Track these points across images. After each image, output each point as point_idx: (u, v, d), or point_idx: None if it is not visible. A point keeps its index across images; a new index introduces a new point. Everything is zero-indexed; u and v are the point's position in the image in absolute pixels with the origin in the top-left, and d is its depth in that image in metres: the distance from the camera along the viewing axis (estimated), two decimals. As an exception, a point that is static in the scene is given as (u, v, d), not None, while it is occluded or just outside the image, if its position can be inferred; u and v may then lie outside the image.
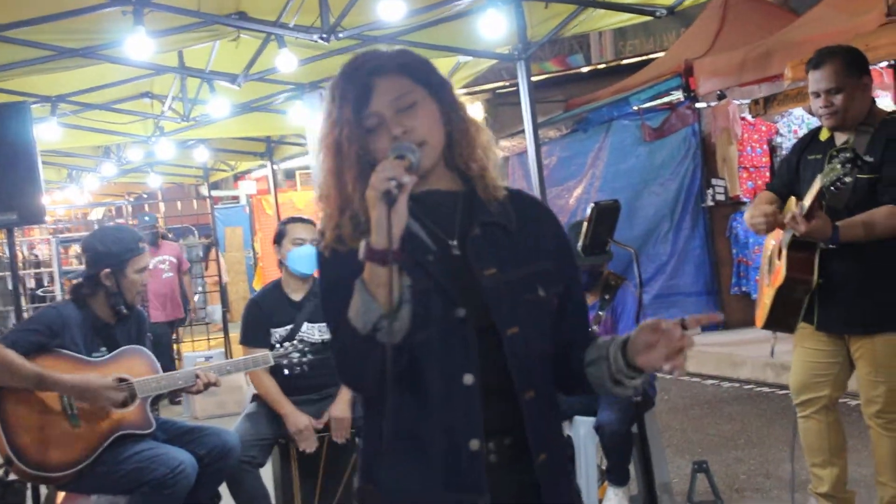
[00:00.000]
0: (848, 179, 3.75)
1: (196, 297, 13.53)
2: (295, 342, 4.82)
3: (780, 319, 4.32)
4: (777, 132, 10.81)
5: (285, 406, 4.97)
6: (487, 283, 2.12)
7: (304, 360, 4.74)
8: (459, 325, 2.10)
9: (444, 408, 2.07)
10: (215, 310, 15.38)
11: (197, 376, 4.46)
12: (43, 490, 4.68)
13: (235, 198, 21.08)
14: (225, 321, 13.17)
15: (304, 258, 5.10)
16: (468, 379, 2.08)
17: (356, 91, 2.13)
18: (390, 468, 2.14)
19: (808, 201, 3.94)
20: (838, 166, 3.75)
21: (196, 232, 14.33)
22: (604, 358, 2.16)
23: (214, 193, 16.12)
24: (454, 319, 2.09)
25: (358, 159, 2.13)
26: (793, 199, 4.18)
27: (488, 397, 2.10)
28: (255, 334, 5.03)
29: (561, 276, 2.25)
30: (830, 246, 3.99)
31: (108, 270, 4.42)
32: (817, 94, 4.11)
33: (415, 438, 2.11)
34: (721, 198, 10.85)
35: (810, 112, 10.02)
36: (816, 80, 4.10)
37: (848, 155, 3.72)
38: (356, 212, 2.13)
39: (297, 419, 4.93)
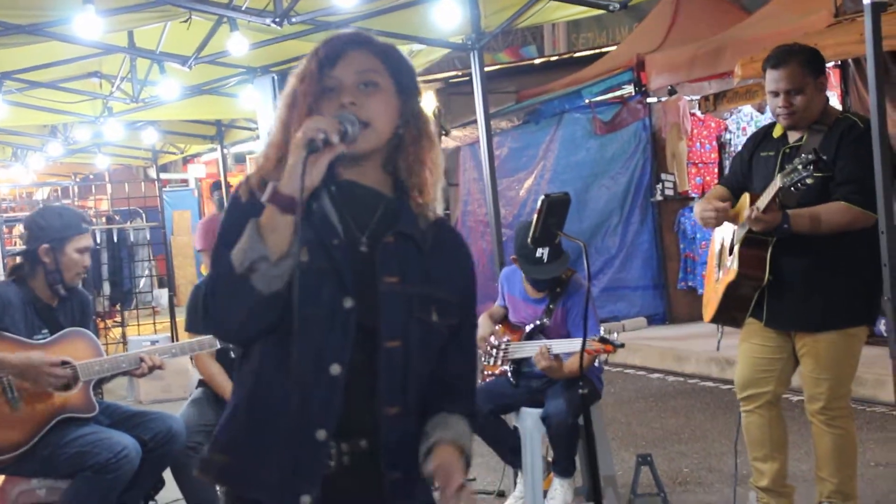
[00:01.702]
0: (809, 181, 3.80)
1: (142, 281, 13.39)
2: None
3: (729, 314, 4.37)
4: (726, 129, 10.92)
5: (229, 389, 4.92)
6: (385, 288, 2.11)
7: None
8: (344, 315, 2.09)
9: (304, 390, 2.05)
10: (161, 294, 15.24)
11: (142, 359, 4.41)
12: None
13: (185, 181, 20.87)
14: (171, 305, 13.05)
15: None
16: (335, 369, 2.08)
17: (327, 53, 2.14)
18: (241, 435, 2.13)
19: (765, 199, 3.97)
20: (800, 167, 3.79)
21: (144, 215, 14.16)
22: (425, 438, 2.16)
23: (163, 176, 15.95)
24: (340, 308, 2.09)
25: (309, 114, 2.11)
26: (746, 195, 4.21)
27: (353, 396, 2.09)
28: (201, 322, 4.98)
29: (458, 313, 2.23)
30: (782, 231, 4.00)
31: (46, 246, 4.35)
32: (776, 94, 4.13)
33: (269, 412, 2.10)
34: (670, 193, 10.94)
35: (759, 109, 10.14)
36: (776, 79, 4.12)
37: (810, 157, 3.76)
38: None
39: None
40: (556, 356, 4.74)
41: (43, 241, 4.36)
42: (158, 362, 4.45)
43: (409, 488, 2.18)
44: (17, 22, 5.99)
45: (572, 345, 4.71)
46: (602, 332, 4.67)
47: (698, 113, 10.56)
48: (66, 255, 4.36)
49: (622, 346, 4.58)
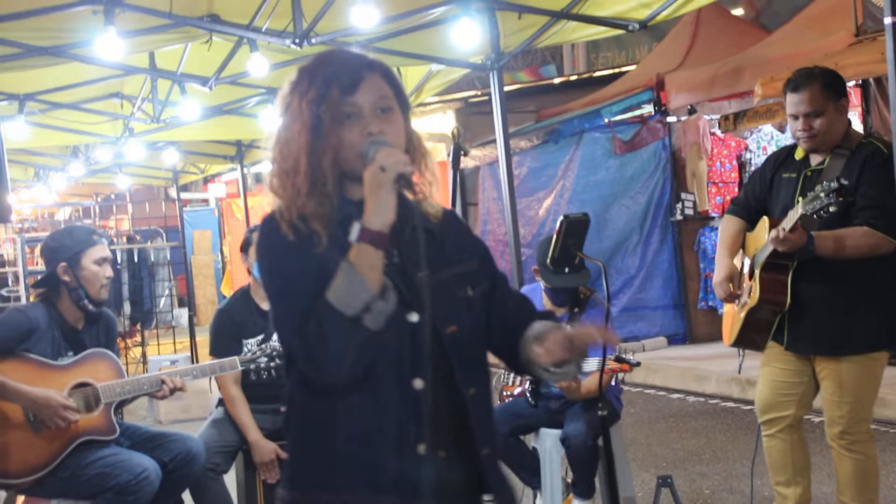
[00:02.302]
0: (833, 209, 3.77)
1: (162, 301, 13.43)
2: (263, 346, 4.76)
3: (750, 338, 4.34)
4: (746, 148, 10.89)
5: (252, 433, 4.89)
6: (422, 284, 2.12)
7: (273, 364, 4.68)
8: (412, 329, 2.13)
9: (394, 411, 2.09)
10: (182, 313, 15.29)
11: (163, 381, 4.41)
12: (1, 494, 4.61)
13: (205, 201, 20.96)
14: (191, 325, 13.08)
15: None
16: (418, 383, 2.12)
17: (348, 78, 2.15)
18: (342, 471, 2.14)
19: (787, 226, 3.94)
20: (822, 195, 3.76)
21: (164, 234, 14.22)
22: (527, 342, 2.26)
23: (184, 196, 16.02)
24: (406, 323, 2.13)
25: (339, 142, 2.14)
26: (764, 219, 4.19)
27: (434, 400, 2.12)
28: (225, 346, 4.94)
29: (485, 275, 2.33)
30: (805, 253, 3.98)
31: (64, 265, 4.37)
32: (796, 117, 4.12)
33: (365, 441, 2.12)
34: (690, 212, 10.91)
35: (780, 129, 10.12)
36: (795, 103, 4.10)
37: (833, 185, 3.74)
38: (327, 194, 2.14)
39: (263, 449, 4.86)
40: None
41: (59, 261, 4.38)
42: (180, 384, 4.46)
43: (497, 463, 2.28)
44: (40, 44, 6.03)
45: (589, 364, 4.69)
46: (618, 352, 4.65)
47: (718, 132, 10.54)
48: (84, 269, 4.38)
49: (638, 364, 4.55)
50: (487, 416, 2.26)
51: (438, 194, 2.29)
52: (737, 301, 4.37)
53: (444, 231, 2.28)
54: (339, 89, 2.14)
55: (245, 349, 4.92)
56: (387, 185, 2.03)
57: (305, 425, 2.21)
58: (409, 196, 2.16)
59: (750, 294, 4.22)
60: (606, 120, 10.96)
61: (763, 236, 4.13)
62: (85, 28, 5.73)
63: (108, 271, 4.46)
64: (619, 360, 4.57)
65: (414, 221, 2.15)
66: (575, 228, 3.96)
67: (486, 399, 2.28)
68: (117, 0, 5.38)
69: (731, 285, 4.33)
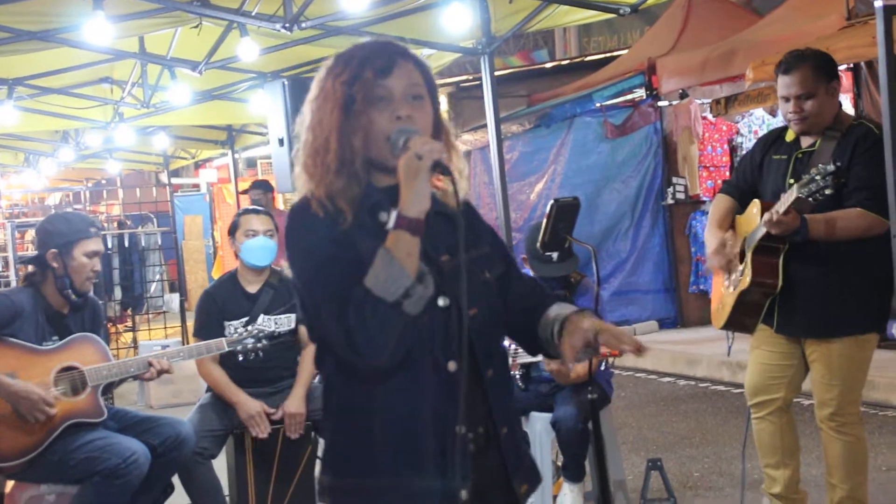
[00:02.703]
0: (828, 191, 3.77)
1: (153, 286, 13.41)
2: (250, 328, 4.75)
3: (740, 321, 4.34)
4: (738, 132, 10.90)
5: (236, 394, 4.91)
6: (446, 267, 2.20)
7: (259, 346, 4.67)
8: (442, 312, 2.18)
9: (432, 394, 2.14)
10: (173, 298, 15.27)
11: (150, 363, 4.41)
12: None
13: (196, 186, 20.92)
14: (182, 310, 13.06)
15: (257, 250, 5.06)
16: (452, 366, 2.17)
17: (382, 62, 2.19)
18: (383, 455, 2.17)
19: (782, 208, 3.94)
20: (818, 178, 3.75)
21: (155, 219, 14.18)
22: (547, 324, 2.33)
23: (175, 181, 16.00)
24: (437, 308, 2.17)
25: (369, 123, 2.17)
26: (756, 201, 4.19)
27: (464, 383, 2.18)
28: (209, 327, 4.96)
29: (499, 258, 2.38)
30: (798, 236, 3.98)
31: (54, 251, 4.35)
32: (787, 99, 4.11)
33: (405, 425, 2.16)
34: (681, 196, 10.92)
35: (771, 113, 10.12)
36: (787, 84, 4.10)
37: (829, 168, 3.73)
38: (356, 174, 2.18)
39: (248, 405, 4.88)
40: None
41: (51, 246, 4.36)
42: (166, 366, 4.45)
43: (517, 441, 2.33)
44: (29, 28, 6.01)
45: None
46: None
47: (710, 116, 10.54)
48: (74, 259, 4.36)
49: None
50: (505, 396, 2.32)
51: (466, 183, 2.30)
52: (727, 278, 4.37)
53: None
54: (373, 71, 2.18)
55: (229, 331, 4.91)
56: (423, 172, 2.06)
57: (344, 411, 2.25)
58: (442, 184, 2.20)
59: (742, 275, 4.22)
60: (598, 104, 10.95)
61: (754, 219, 4.13)
62: (74, 12, 5.71)
63: (97, 265, 4.43)
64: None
65: (434, 207, 2.18)
66: (565, 212, 3.95)
67: (505, 380, 2.36)
68: (106, -17, 5.35)
69: (725, 253, 4.32)
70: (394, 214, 2.08)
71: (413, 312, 2.07)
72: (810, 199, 3.83)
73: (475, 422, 2.22)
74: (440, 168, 2.06)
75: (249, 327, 4.76)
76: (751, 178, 4.38)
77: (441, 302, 2.18)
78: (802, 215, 3.94)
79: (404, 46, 2.27)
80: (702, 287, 10.78)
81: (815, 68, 4.10)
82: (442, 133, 2.28)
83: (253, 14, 5.95)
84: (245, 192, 9.97)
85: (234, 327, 4.92)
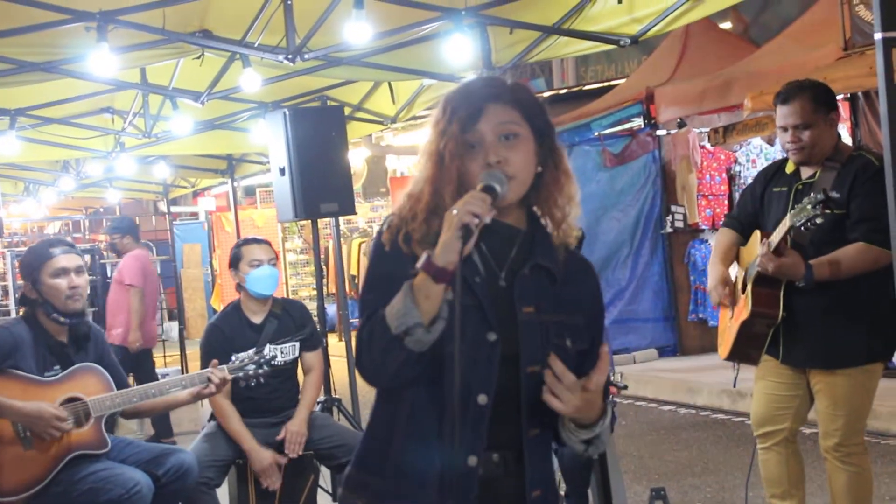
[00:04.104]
0: (819, 220, 3.79)
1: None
2: (251, 353, 4.75)
3: (744, 352, 4.35)
4: (736, 161, 10.93)
5: (247, 441, 4.91)
6: (524, 318, 2.23)
7: (261, 371, 4.67)
8: (489, 348, 2.21)
9: (455, 420, 2.15)
10: (172, 327, 15.24)
11: (209, 378, 4.44)
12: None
13: (194, 214, 20.93)
14: (181, 338, 13.03)
15: (262, 279, 5.08)
16: (482, 399, 2.20)
17: (468, 111, 2.24)
18: (397, 463, 2.25)
19: (776, 238, 3.97)
20: (809, 207, 3.78)
21: (154, 248, 14.18)
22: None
23: (173, 209, 16.00)
24: (485, 342, 2.21)
25: (458, 175, 2.23)
26: (757, 233, 4.21)
27: (496, 419, 2.22)
28: (218, 359, 4.96)
29: (589, 334, 2.35)
30: (803, 285, 4.00)
31: (28, 284, 4.41)
32: (785, 129, 4.14)
33: (423, 442, 2.21)
34: (680, 225, 10.94)
35: (769, 142, 10.16)
36: (784, 115, 4.13)
37: (819, 196, 3.76)
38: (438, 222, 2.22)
39: (261, 456, 4.89)
40: None
41: (26, 280, 4.44)
42: (228, 376, 4.51)
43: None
44: (33, 59, 6.04)
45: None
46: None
47: (708, 145, 10.58)
48: (43, 284, 4.37)
49: (625, 387, 4.55)
50: (543, 460, 2.34)
51: (573, 220, 2.32)
52: (730, 309, 4.39)
53: (567, 277, 2.32)
54: (459, 123, 2.24)
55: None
56: (454, 228, 2.10)
57: (376, 413, 2.35)
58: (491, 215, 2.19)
59: (744, 306, 4.24)
60: (596, 133, 10.99)
61: (756, 250, 4.15)
62: (78, 44, 5.73)
63: (74, 280, 4.39)
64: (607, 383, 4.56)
65: (535, 260, 2.27)
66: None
67: (546, 442, 2.34)
68: (110, 16, 5.37)
69: (725, 290, 4.34)
70: (424, 256, 2.12)
71: (415, 350, 2.13)
72: (802, 228, 3.85)
73: (490, 449, 2.23)
74: (464, 231, 2.09)
75: (250, 352, 4.76)
76: (752, 211, 4.40)
77: (490, 337, 2.22)
78: (808, 262, 3.95)
79: (500, 84, 2.31)
80: (701, 315, 10.79)
81: (814, 99, 4.12)
82: (550, 165, 2.30)
83: (256, 45, 5.97)
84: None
85: (241, 359, 4.92)
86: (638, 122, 10.69)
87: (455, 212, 2.11)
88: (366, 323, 2.21)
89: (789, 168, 4.28)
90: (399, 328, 2.11)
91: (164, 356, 12.90)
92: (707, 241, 10.70)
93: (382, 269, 2.26)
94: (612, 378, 4.48)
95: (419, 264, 2.12)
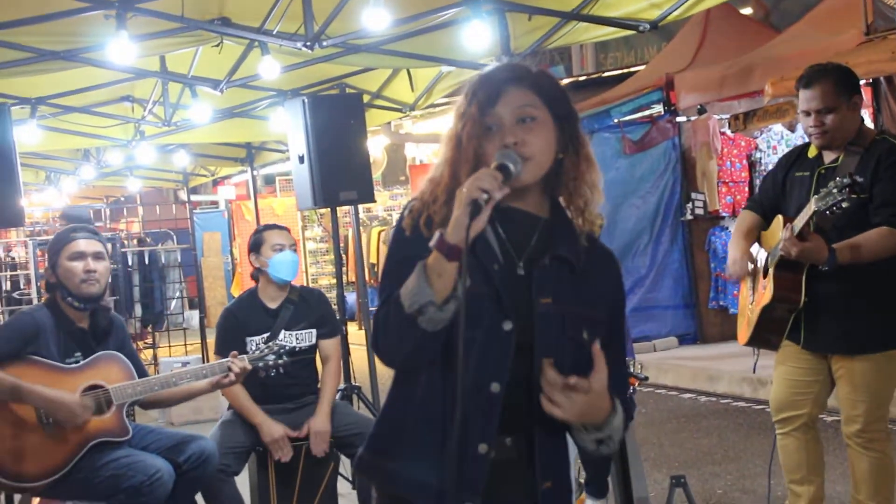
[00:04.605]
0: (845, 205, 3.76)
1: (173, 303, 13.45)
2: (270, 344, 4.76)
3: (765, 337, 4.33)
4: (756, 147, 10.87)
5: (258, 415, 4.93)
6: (541, 309, 2.22)
7: (280, 362, 4.68)
8: (503, 336, 2.21)
9: (468, 407, 2.16)
10: (192, 315, 15.31)
11: (229, 368, 4.46)
12: (17, 497, 4.64)
13: (214, 203, 21.00)
14: (202, 327, 13.10)
15: (285, 264, 5.09)
16: (495, 387, 2.20)
17: (487, 93, 2.26)
18: (408, 446, 2.26)
19: (800, 223, 3.95)
20: (835, 191, 3.75)
21: (175, 237, 14.24)
22: None
23: (193, 198, 16.05)
24: (500, 330, 2.21)
25: (475, 156, 2.24)
26: (779, 217, 4.19)
27: (508, 409, 2.22)
28: (230, 344, 4.96)
29: (607, 327, 2.34)
30: (826, 269, 3.98)
31: (48, 268, 4.44)
32: (808, 113, 4.11)
33: (435, 427, 2.21)
34: (700, 212, 10.89)
35: (790, 128, 10.10)
36: (807, 99, 4.10)
37: (845, 180, 3.73)
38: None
39: (271, 429, 4.90)
40: None
41: (47, 265, 4.47)
42: (248, 366, 4.52)
43: (560, 498, 2.35)
44: (52, 48, 6.06)
45: None
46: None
47: (728, 132, 10.52)
48: (61, 267, 4.39)
49: (646, 378, 4.54)
50: (556, 452, 2.32)
51: (596, 209, 2.31)
52: (751, 294, 4.37)
53: (589, 267, 2.30)
54: (478, 105, 2.25)
55: (250, 347, 4.93)
56: (463, 205, 2.10)
57: (391, 397, 2.35)
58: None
59: (765, 290, 4.21)
60: (616, 120, 10.95)
61: (778, 234, 4.13)
62: (97, 32, 5.75)
63: (90, 264, 4.39)
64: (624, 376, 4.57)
65: (555, 249, 2.25)
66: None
67: (559, 434, 2.30)
68: (129, 4, 5.38)
69: (747, 264, 4.31)
70: (437, 234, 2.12)
71: (429, 329, 2.13)
72: (827, 212, 3.83)
73: (501, 434, 2.23)
74: (472, 207, 2.08)
75: (270, 343, 4.77)
76: (773, 195, 4.37)
77: (505, 326, 2.21)
78: (831, 246, 3.93)
79: (521, 69, 2.31)
80: (721, 303, 10.75)
81: (837, 83, 4.10)
82: (571, 149, 2.29)
83: (274, 33, 5.97)
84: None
85: (256, 343, 4.94)
86: (658, 109, 10.65)
87: (465, 190, 2.11)
88: (382, 305, 2.22)
89: (811, 153, 4.25)
90: (412, 307, 2.12)
91: (185, 344, 12.99)
92: (727, 228, 10.64)
93: (402, 254, 2.25)
94: (632, 369, 4.49)
95: (432, 242, 2.12)
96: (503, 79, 2.28)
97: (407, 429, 2.27)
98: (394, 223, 2.36)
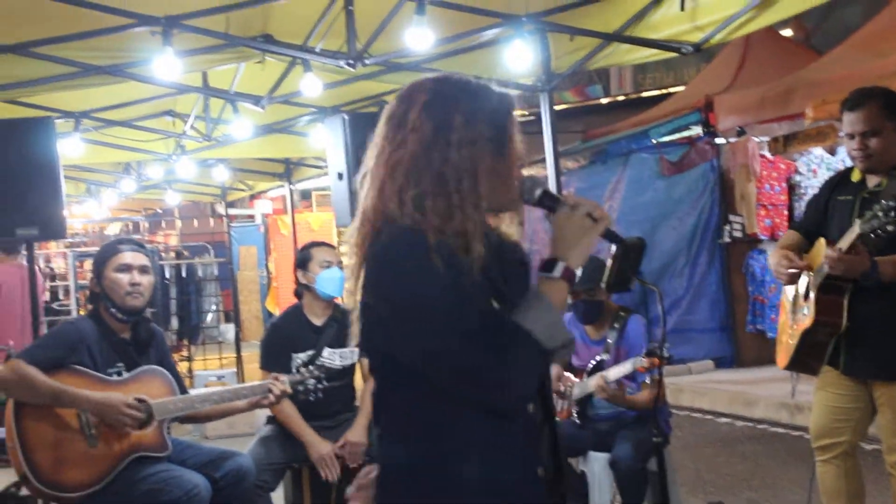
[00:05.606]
0: (890, 228, 3.72)
1: (209, 316, 13.53)
2: (311, 368, 4.77)
3: (805, 362, 4.29)
4: (796, 170, 10.79)
5: (307, 434, 4.94)
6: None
7: (321, 386, 4.70)
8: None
9: (519, 434, 2.17)
10: (228, 329, 15.38)
11: (269, 389, 4.49)
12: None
13: (251, 217, 21.11)
14: (237, 340, 13.16)
15: (332, 280, 5.10)
16: (531, 408, 2.22)
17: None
18: (469, 484, 2.13)
19: (845, 244, 3.91)
20: (880, 214, 3.72)
21: (212, 250, 14.33)
22: None
23: (230, 212, 16.15)
24: None
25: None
26: (821, 240, 4.15)
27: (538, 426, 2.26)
28: (275, 359, 5.00)
29: None
30: (868, 278, 3.93)
31: (94, 278, 4.50)
32: (852, 136, 4.08)
33: (494, 457, 2.14)
34: (738, 234, 10.83)
35: (830, 151, 10.02)
36: (852, 121, 4.07)
37: (892, 204, 3.70)
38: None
39: (320, 447, 4.91)
40: (617, 383, 4.75)
41: (93, 276, 4.52)
42: (288, 389, 4.55)
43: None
44: (97, 63, 6.12)
45: (625, 366, 4.72)
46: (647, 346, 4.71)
47: (768, 154, 10.46)
48: (106, 279, 4.43)
49: (670, 358, 4.49)
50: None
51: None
52: (791, 317, 4.33)
53: None
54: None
55: (295, 364, 4.96)
56: (595, 234, 2.20)
57: (430, 435, 2.17)
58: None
59: (807, 314, 4.17)
60: (654, 141, 10.92)
61: (820, 257, 4.09)
62: (142, 48, 5.80)
63: (136, 277, 4.43)
64: (649, 354, 4.57)
65: (516, 256, 2.35)
66: (632, 252, 3.93)
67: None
68: (175, 21, 5.43)
69: (789, 262, 4.24)
70: (560, 265, 2.17)
71: (557, 361, 2.18)
72: (872, 235, 3.79)
73: (547, 462, 2.26)
74: (611, 235, 2.23)
75: (311, 367, 4.78)
76: (816, 219, 4.34)
77: None
78: (873, 258, 3.90)
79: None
80: (759, 326, 10.65)
81: (882, 106, 4.06)
82: None
83: (317, 50, 6.00)
84: None
85: (300, 359, 4.96)
86: (697, 130, 10.61)
87: (590, 217, 2.20)
88: (476, 342, 2.05)
89: (855, 176, 4.22)
90: (556, 342, 2.11)
91: (220, 357, 13.04)
92: (765, 251, 10.56)
93: (461, 288, 2.10)
94: (654, 348, 4.49)
95: (557, 272, 2.17)
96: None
97: (464, 466, 2.14)
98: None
